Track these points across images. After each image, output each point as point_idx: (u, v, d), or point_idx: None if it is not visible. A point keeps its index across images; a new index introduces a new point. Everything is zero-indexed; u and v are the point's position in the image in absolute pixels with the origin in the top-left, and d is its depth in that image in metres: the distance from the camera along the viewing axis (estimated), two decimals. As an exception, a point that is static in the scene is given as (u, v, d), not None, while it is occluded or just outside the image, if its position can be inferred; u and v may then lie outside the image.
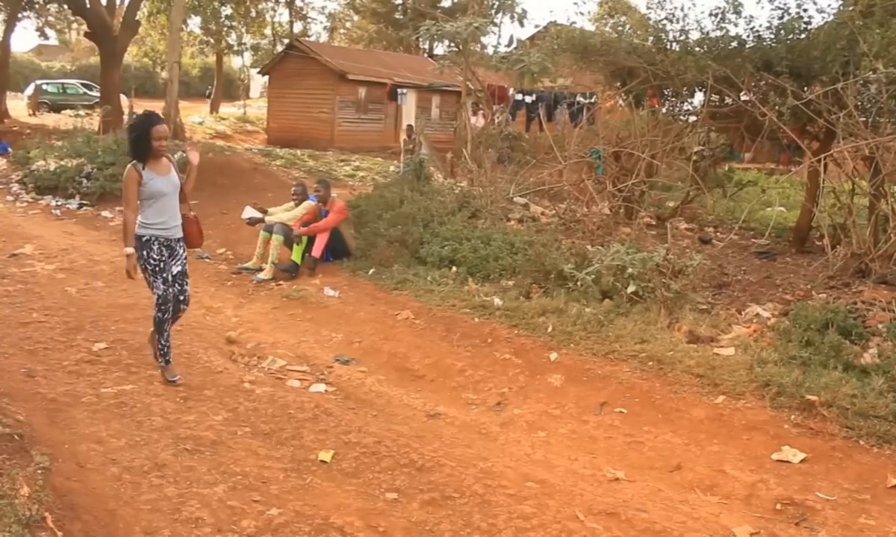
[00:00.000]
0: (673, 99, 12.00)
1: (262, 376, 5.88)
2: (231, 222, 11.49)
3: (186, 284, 5.50)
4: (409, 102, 26.81)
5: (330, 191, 9.90)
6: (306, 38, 41.52)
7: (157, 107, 23.45)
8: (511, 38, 22.18)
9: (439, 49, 34.59)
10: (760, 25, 10.49)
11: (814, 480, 4.59)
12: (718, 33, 10.59)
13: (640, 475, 4.75)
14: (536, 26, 20.82)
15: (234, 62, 49.91)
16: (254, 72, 43.99)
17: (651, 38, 11.20)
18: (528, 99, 19.59)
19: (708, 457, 4.94)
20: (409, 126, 19.82)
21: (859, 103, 8.76)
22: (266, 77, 32.13)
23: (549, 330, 6.85)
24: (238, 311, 7.93)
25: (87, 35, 24.60)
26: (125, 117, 20.63)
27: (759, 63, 9.87)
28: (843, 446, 4.88)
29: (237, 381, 5.55)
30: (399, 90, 26.59)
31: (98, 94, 26.76)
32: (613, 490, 4.46)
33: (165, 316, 5.32)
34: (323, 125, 27.33)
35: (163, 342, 5.36)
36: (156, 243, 5.21)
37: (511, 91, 19.55)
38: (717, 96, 10.74)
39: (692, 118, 11.71)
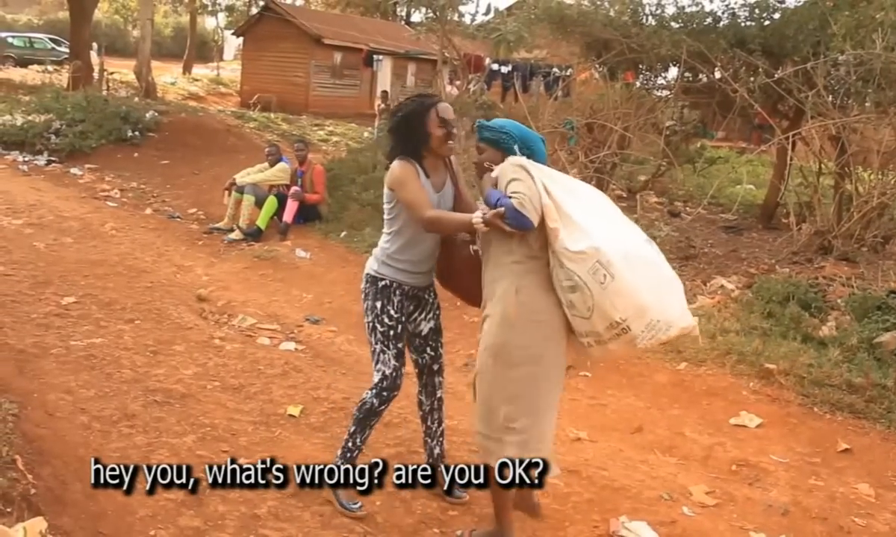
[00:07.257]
0: (647, 73, 12.08)
1: (232, 333, 5.90)
2: (203, 182, 11.38)
3: (441, 346, 3.65)
4: (384, 69, 26.64)
5: (309, 152, 9.93)
6: (282, 1, 40.89)
7: (128, 65, 23.15)
8: (488, 6, 22.06)
9: (416, 16, 34.21)
10: (735, 3, 10.61)
11: (769, 444, 4.75)
12: (694, 9, 10.68)
13: (602, 436, 4.87)
14: (514, -4, 20.76)
15: (208, 22, 48.98)
16: (228, 33, 43.21)
17: (627, 11, 11.24)
18: (504, 69, 19.52)
19: (668, 420, 5.08)
20: (384, 92, 19.77)
21: (828, 84, 8.90)
22: (240, 39, 31.62)
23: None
24: (209, 270, 7.93)
25: (55, -12, 24.00)
26: (94, 75, 20.26)
27: (733, 40, 9.96)
28: (798, 412, 5.04)
29: (207, 338, 5.56)
30: (375, 56, 26.39)
31: (67, 51, 26.17)
32: (576, 449, 4.58)
33: (382, 406, 3.47)
34: (298, 89, 27.03)
35: (357, 442, 3.55)
36: (398, 292, 3.43)
37: (487, 60, 19.51)
38: (691, 72, 10.84)
39: (665, 93, 11.80)
